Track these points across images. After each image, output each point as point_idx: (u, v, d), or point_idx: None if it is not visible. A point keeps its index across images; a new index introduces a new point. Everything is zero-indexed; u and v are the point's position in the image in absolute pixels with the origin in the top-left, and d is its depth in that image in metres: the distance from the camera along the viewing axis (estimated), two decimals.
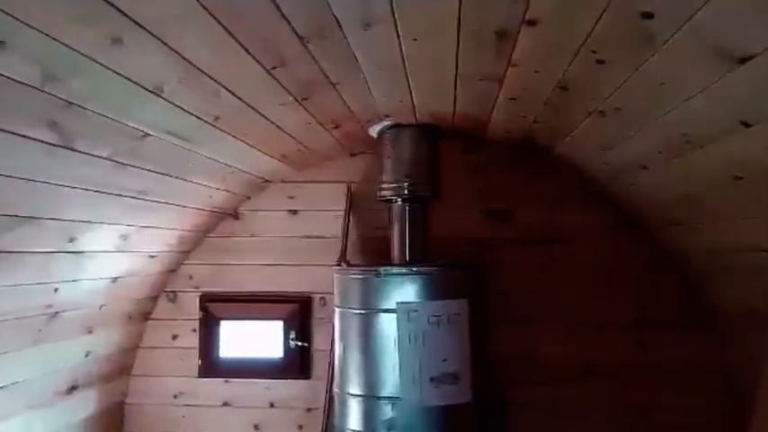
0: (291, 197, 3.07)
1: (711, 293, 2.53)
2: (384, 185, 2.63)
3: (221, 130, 1.99)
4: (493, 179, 2.91)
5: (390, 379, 2.34)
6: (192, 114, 1.78)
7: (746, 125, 1.34)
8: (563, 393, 2.80)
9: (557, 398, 2.80)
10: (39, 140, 1.49)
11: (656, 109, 1.54)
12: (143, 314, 3.03)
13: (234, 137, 2.12)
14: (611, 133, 1.89)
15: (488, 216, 2.91)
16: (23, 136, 1.44)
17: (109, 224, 2.18)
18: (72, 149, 1.60)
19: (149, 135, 1.78)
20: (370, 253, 2.95)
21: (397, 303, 2.34)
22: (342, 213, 2.98)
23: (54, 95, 1.36)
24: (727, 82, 1.23)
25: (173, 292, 3.12)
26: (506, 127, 2.46)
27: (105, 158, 1.76)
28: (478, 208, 2.91)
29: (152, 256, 2.74)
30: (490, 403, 2.62)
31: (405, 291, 2.37)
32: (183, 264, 3.10)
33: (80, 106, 1.46)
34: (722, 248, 2.12)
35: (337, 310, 2.57)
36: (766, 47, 1.06)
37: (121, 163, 1.84)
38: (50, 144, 1.52)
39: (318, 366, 2.99)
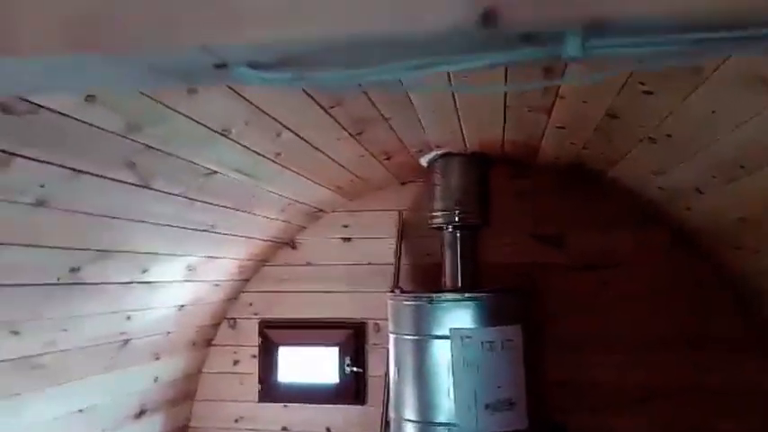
0: (345, 225, 3.17)
1: (767, 314, 2.48)
2: (435, 213, 2.69)
3: (282, 165, 2.11)
4: (543, 204, 2.93)
5: (445, 405, 2.38)
6: (256, 153, 1.90)
7: None
8: (618, 420, 2.76)
9: (612, 425, 2.76)
10: (120, 181, 1.63)
11: (707, 136, 1.56)
12: (206, 341, 3.16)
13: (293, 171, 2.23)
14: (663, 159, 1.91)
15: (539, 241, 2.93)
16: (107, 178, 1.58)
17: (179, 256, 2.31)
18: (149, 188, 1.74)
19: (217, 173, 1.91)
20: (421, 279, 3.00)
21: (451, 329, 2.39)
22: (393, 241, 3.06)
23: (135, 141, 1.50)
24: None
25: (233, 318, 3.25)
26: (556, 153, 2.49)
27: (177, 195, 1.89)
28: (528, 233, 2.94)
29: (216, 285, 2.88)
30: (546, 429, 2.61)
31: (458, 317, 2.41)
32: (242, 292, 3.23)
33: (157, 149, 1.59)
34: None
35: (392, 336, 2.63)
36: None
37: (192, 199, 1.97)
38: (130, 184, 1.65)
39: (373, 392, 3.04)
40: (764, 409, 2.59)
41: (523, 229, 2.93)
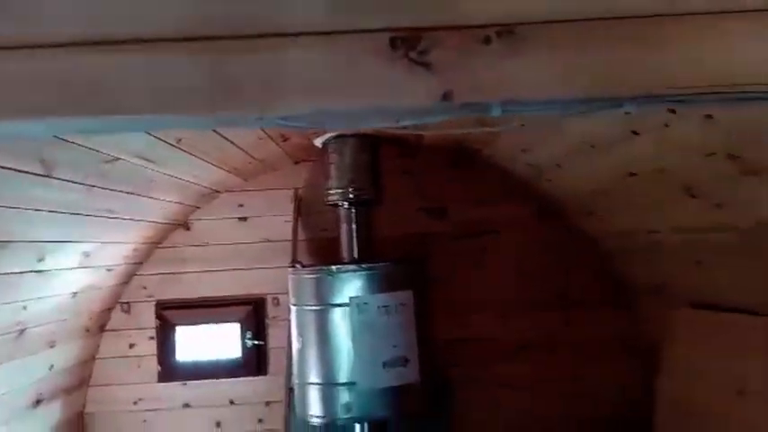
0: (241, 205, 3.24)
1: (620, 272, 2.93)
2: (330, 191, 2.85)
3: (183, 150, 2.16)
4: (428, 180, 3.20)
5: (346, 366, 2.58)
6: (159, 138, 1.94)
7: (635, 133, 1.66)
8: (499, 370, 3.14)
9: (493, 374, 3.13)
10: (23, 171, 1.62)
11: (563, 121, 1.85)
12: (99, 326, 3.12)
13: (192, 155, 2.28)
14: (530, 140, 2.21)
15: (426, 214, 3.20)
16: (8, 168, 1.57)
17: (75, 242, 2.29)
18: (51, 177, 1.74)
19: (120, 159, 1.93)
20: (318, 253, 3.17)
21: (350, 298, 2.58)
22: (290, 218, 3.18)
23: None
24: None
25: (126, 302, 3.22)
26: (440, 135, 2.74)
27: (78, 183, 1.89)
28: (416, 207, 3.20)
29: (109, 270, 2.85)
30: (437, 382, 2.90)
31: (355, 286, 2.61)
32: (135, 275, 3.21)
33: (63, 139, 1.60)
34: (626, 232, 2.49)
35: (293, 308, 2.78)
36: None
37: (92, 186, 1.97)
38: (35, 174, 1.65)
39: (274, 363, 3.18)
40: (621, 355, 3.06)
41: (412, 204, 3.18)
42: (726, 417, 1.96)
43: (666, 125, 1.40)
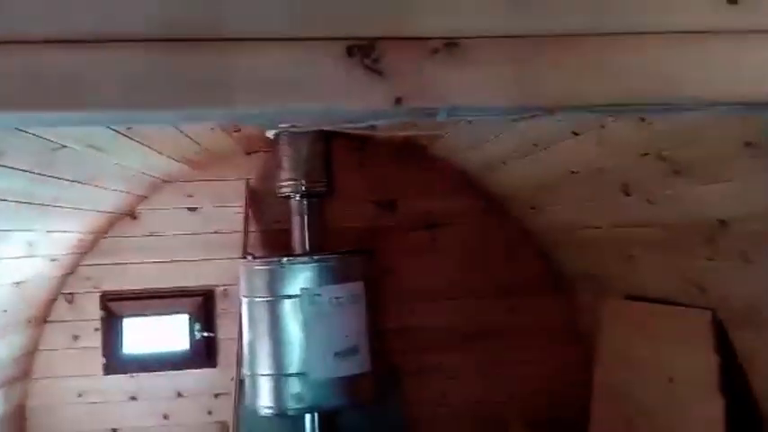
0: (190, 195, 3.21)
1: (560, 262, 3.07)
2: (283, 183, 2.86)
3: (132, 138, 2.13)
4: (378, 174, 3.25)
5: (297, 357, 2.62)
6: (107, 127, 1.92)
7: (575, 134, 1.76)
8: (446, 358, 3.23)
9: (441, 362, 3.22)
10: None
11: (508, 122, 1.94)
12: (42, 318, 3.04)
13: (142, 144, 2.26)
14: (476, 138, 2.29)
15: (376, 206, 3.25)
16: None
17: (19, 231, 2.24)
18: None
19: (66, 147, 1.90)
20: (270, 245, 3.17)
21: (301, 289, 2.61)
22: (240, 209, 3.18)
23: None
24: None
25: (70, 293, 3.15)
26: (391, 130, 2.80)
27: (24, 171, 1.85)
28: (367, 199, 3.24)
29: (53, 260, 2.78)
30: (386, 371, 2.97)
31: (307, 277, 2.64)
32: (80, 265, 3.14)
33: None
34: (566, 226, 2.61)
35: (244, 299, 2.79)
36: None
37: (38, 174, 1.93)
38: None
39: (224, 354, 3.18)
40: (561, 340, 3.20)
41: (363, 197, 3.23)
42: (658, 403, 2.10)
43: (603, 126, 1.50)
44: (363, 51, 0.76)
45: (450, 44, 0.78)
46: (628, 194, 1.85)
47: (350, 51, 0.76)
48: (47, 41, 0.71)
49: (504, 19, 0.78)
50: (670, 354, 2.07)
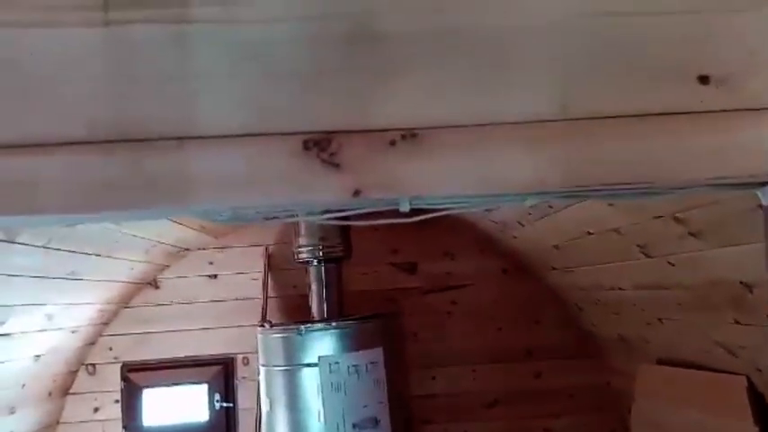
0: (210, 263, 3.23)
1: (588, 324, 2.96)
2: (300, 248, 2.86)
3: None
4: (397, 236, 3.23)
5: (315, 428, 2.54)
6: None
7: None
8: (472, 426, 3.10)
9: (466, 430, 3.10)
10: None
11: None
12: (63, 390, 3.03)
13: None
14: None
15: (396, 269, 3.22)
16: None
17: (37, 305, 2.26)
18: (13, 242, 1.73)
19: (82, 222, 1.93)
20: (289, 311, 3.15)
21: (319, 357, 2.56)
22: (260, 275, 3.17)
23: None
24: None
25: (92, 364, 3.15)
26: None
27: (41, 246, 1.88)
28: (386, 262, 3.22)
29: (73, 332, 2.80)
30: None
31: (325, 345, 2.59)
32: (102, 336, 3.15)
33: None
34: (589, 287, 2.53)
35: (262, 368, 2.74)
36: None
37: (55, 249, 1.96)
38: None
39: (244, 425, 3.11)
40: (594, 404, 3.06)
41: (381, 259, 3.20)
42: None
43: None
44: (319, 145, 0.76)
45: (408, 135, 0.77)
46: (648, 256, 1.79)
47: (305, 145, 0.76)
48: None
49: (463, 107, 0.77)
50: (706, 423, 1.94)
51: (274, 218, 0.87)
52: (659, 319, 2.14)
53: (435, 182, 0.78)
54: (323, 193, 0.76)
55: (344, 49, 0.78)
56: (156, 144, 0.72)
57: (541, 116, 0.76)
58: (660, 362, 2.30)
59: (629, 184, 0.75)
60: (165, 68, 0.74)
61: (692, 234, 1.42)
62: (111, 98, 0.73)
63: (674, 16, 0.77)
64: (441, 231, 3.21)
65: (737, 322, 1.63)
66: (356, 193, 0.76)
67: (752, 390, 1.74)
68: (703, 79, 0.75)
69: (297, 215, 0.93)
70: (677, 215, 1.40)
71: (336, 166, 0.76)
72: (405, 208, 0.82)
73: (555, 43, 0.78)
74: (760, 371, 1.68)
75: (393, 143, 0.78)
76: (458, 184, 0.77)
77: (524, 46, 0.78)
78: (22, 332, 2.30)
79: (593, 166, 0.75)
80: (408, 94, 0.78)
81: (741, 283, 1.46)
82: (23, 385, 2.57)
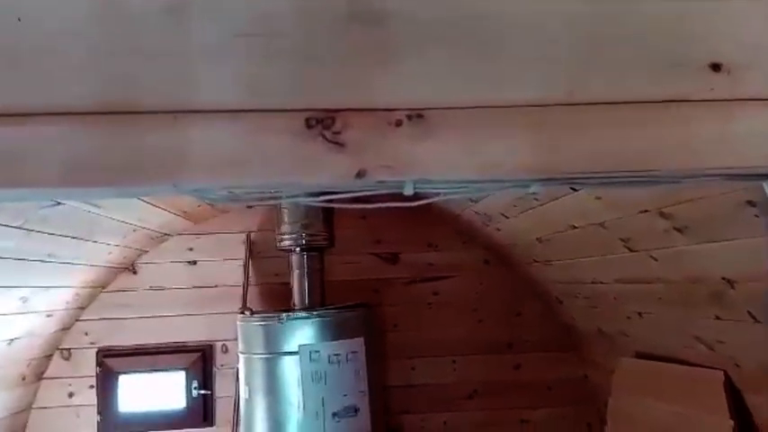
0: (190, 249, 3.18)
1: (568, 317, 2.98)
2: (283, 236, 2.83)
3: None
4: (380, 226, 3.22)
5: (294, 417, 2.52)
6: None
7: (574, 189, 1.72)
8: (451, 416, 3.12)
9: (445, 421, 3.11)
10: None
11: None
12: (37, 374, 2.98)
13: (140, 199, 2.24)
14: None
15: (379, 259, 3.21)
16: None
17: (11, 287, 2.20)
18: None
19: (60, 203, 1.88)
20: (270, 299, 3.12)
21: (300, 346, 2.54)
22: (240, 262, 3.14)
23: None
24: None
25: (67, 349, 3.09)
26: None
27: (16, 228, 1.83)
28: (369, 252, 3.20)
29: (49, 316, 2.74)
30: (388, 431, 2.86)
31: (306, 334, 2.58)
32: (78, 320, 3.09)
33: None
34: (571, 281, 2.54)
35: (242, 356, 2.72)
36: None
37: (32, 230, 1.91)
38: None
39: (222, 413, 3.08)
40: (572, 397, 3.09)
41: (364, 249, 3.19)
42: None
43: None
44: (322, 123, 0.73)
45: (415, 115, 0.75)
46: (631, 250, 1.80)
47: (308, 123, 0.73)
48: None
49: (470, 89, 0.75)
50: (683, 416, 1.97)
51: (271, 199, 0.84)
52: (639, 314, 2.16)
53: (441, 165, 0.76)
54: (325, 173, 0.74)
55: (347, 25, 0.75)
56: (150, 117, 0.68)
57: (548, 101, 0.74)
58: (639, 355, 2.32)
59: (635, 171, 0.74)
60: (161, 40, 0.71)
61: (677, 229, 1.43)
62: (103, 69, 0.69)
63: (687, 1, 0.76)
64: (423, 222, 3.21)
65: (718, 317, 1.65)
66: (360, 174, 0.74)
67: (729, 384, 1.76)
68: (715, 67, 0.74)
69: (294, 196, 0.90)
70: (663, 210, 1.41)
71: (340, 145, 0.73)
72: (409, 191, 0.80)
73: (563, 28, 0.76)
74: (738, 366, 1.70)
75: (399, 124, 0.76)
76: (462, 167, 0.75)
77: (532, 29, 0.76)
78: None
79: (600, 152, 0.74)
80: (415, 73, 0.76)
81: (723, 278, 1.47)
82: None
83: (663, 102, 0.75)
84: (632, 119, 0.75)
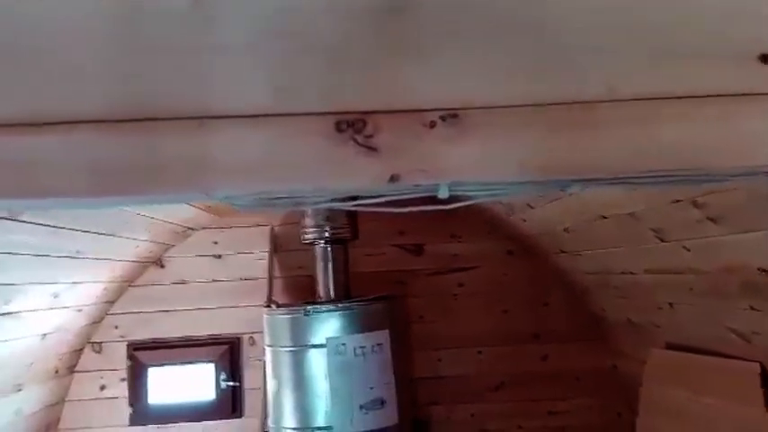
0: (215, 242, 3.21)
1: (596, 308, 2.94)
2: (307, 229, 2.83)
3: None
4: (404, 218, 3.20)
5: (322, 410, 2.53)
6: None
7: None
8: (477, 408, 3.10)
9: (473, 413, 3.10)
10: None
11: None
12: (69, 368, 3.04)
13: None
14: None
15: (403, 251, 3.20)
16: None
17: (43, 284, 2.24)
18: (17, 221, 1.71)
19: None
20: (295, 292, 3.13)
21: (327, 339, 2.55)
22: (265, 256, 3.15)
23: None
24: None
25: (98, 343, 3.15)
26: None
27: (47, 225, 1.86)
28: (393, 244, 3.19)
29: (79, 310, 2.79)
30: (415, 424, 2.86)
31: (332, 326, 2.58)
32: (108, 314, 3.14)
33: None
34: (600, 271, 2.50)
35: (268, 349, 2.73)
36: None
37: (61, 227, 1.94)
38: (1, 218, 1.62)
39: (250, 405, 3.11)
40: (601, 388, 3.05)
41: (388, 240, 3.18)
42: None
43: None
44: (354, 127, 0.71)
45: (449, 116, 0.72)
46: (663, 240, 1.76)
47: (338, 127, 0.71)
48: (6, 125, 0.66)
49: (506, 87, 0.72)
50: (717, 409, 1.93)
51: (299, 204, 0.83)
52: (670, 304, 2.12)
53: (478, 167, 0.73)
54: (357, 178, 0.72)
55: (378, 21, 0.72)
56: (174, 124, 0.67)
57: (587, 98, 0.71)
58: (669, 346, 2.28)
59: (681, 171, 0.71)
60: (185, 41, 0.69)
61: (710, 219, 1.39)
62: (124, 73, 0.68)
63: None
64: (447, 213, 3.17)
65: (753, 308, 1.60)
66: (393, 178, 0.71)
67: (765, 376, 1.72)
68: (765, 58, 0.70)
69: (324, 201, 0.88)
70: (697, 199, 1.37)
71: (372, 149, 0.71)
72: (444, 195, 0.78)
73: (603, 22, 0.72)
74: None
75: (433, 125, 0.73)
76: (500, 169, 0.72)
77: (570, 24, 0.72)
78: (29, 311, 2.29)
79: (643, 151, 0.70)
80: (448, 72, 0.73)
81: (759, 269, 1.43)
82: (30, 363, 2.57)
83: (708, 96, 0.72)
84: (677, 115, 0.71)
